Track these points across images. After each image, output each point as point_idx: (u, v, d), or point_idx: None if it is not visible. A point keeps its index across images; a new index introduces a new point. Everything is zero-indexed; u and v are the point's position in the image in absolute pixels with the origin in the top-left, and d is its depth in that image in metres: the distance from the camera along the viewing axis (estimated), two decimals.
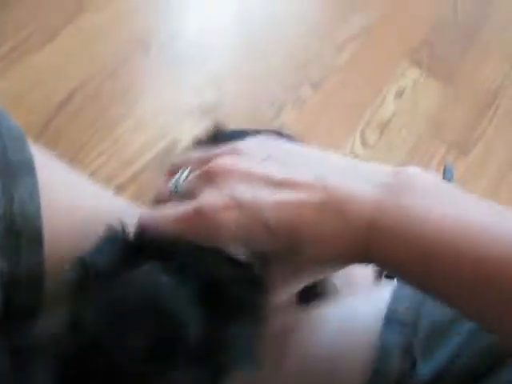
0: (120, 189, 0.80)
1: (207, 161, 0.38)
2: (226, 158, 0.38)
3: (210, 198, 0.35)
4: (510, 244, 0.29)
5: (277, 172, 0.36)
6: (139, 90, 0.90)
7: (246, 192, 0.34)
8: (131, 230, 0.36)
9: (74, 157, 0.80)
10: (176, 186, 0.39)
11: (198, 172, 0.39)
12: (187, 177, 0.39)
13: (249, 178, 0.35)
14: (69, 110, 0.84)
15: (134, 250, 0.35)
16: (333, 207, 0.33)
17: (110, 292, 0.32)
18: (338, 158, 0.38)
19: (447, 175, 0.71)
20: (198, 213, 0.35)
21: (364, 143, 0.94)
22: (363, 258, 0.34)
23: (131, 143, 0.84)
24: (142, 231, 0.36)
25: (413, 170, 0.34)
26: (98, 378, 0.30)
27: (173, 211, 0.37)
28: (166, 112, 0.88)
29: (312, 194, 0.34)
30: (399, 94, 1.00)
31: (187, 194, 0.38)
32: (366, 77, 1.01)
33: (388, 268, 0.36)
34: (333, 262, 0.36)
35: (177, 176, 0.40)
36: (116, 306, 0.32)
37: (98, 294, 0.32)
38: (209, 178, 0.37)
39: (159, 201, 0.41)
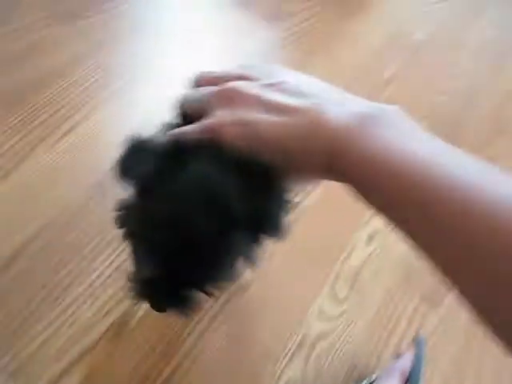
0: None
1: (224, 80, 0.48)
2: (240, 82, 0.47)
3: (221, 115, 0.45)
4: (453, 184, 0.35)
5: (280, 99, 0.44)
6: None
7: (251, 113, 0.44)
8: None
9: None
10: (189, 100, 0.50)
11: (214, 90, 0.48)
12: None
13: (255, 102, 0.45)
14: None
15: (171, 155, 0.44)
16: (312, 129, 0.42)
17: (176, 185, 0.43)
18: (333, 90, 0.47)
19: (419, 348, 0.73)
20: (211, 128, 0.45)
21: (334, 298, 0.88)
22: (331, 171, 0.42)
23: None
24: (174, 141, 0.46)
25: (393, 109, 0.42)
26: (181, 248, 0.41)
27: (194, 126, 0.47)
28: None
29: (301, 118, 0.42)
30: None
31: (203, 107, 0.48)
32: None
33: (352, 187, 0.42)
34: (311, 172, 0.44)
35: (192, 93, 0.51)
36: (186, 192, 0.42)
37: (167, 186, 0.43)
38: (222, 97, 0.47)
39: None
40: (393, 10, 1.45)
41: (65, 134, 0.89)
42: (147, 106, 0.95)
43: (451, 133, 1.22)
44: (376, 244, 0.96)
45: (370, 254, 0.93)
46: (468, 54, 1.46)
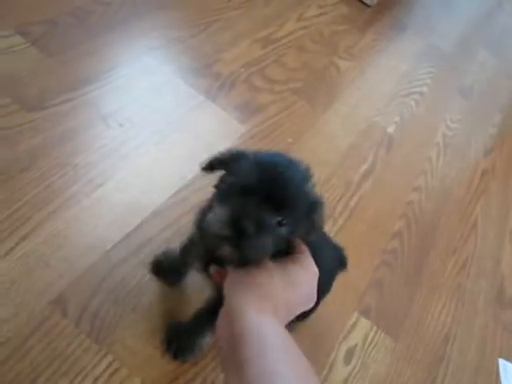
0: None
1: None
2: None
3: None
4: None
5: None
6: None
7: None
8: None
9: None
10: None
11: None
12: None
13: None
14: None
15: None
16: None
17: None
18: None
19: None
20: None
21: None
22: None
23: None
24: None
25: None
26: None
27: None
28: None
29: None
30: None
31: None
32: None
33: None
34: None
35: None
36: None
37: None
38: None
39: None
40: (363, 104, 1.45)
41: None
42: (119, 210, 0.90)
43: (425, 234, 1.21)
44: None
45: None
46: (438, 147, 1.47)
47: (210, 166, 0.64)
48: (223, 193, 0.59)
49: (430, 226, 1.24)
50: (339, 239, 1.06)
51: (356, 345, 0.92)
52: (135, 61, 1.18)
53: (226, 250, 0.55)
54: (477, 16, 2.49)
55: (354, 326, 0.95)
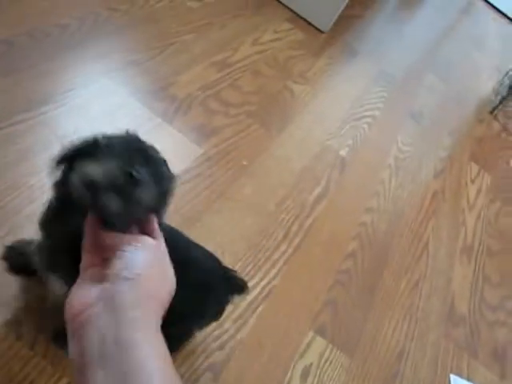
0: None
1: None
2: None
3: None
4: None
5: None
6: None
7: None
8: None
9: None
10: None
11: None
12: None
13: None
14: None
15: None
16: None
17: None
18: None
19: None
20: None
21: None
22: None
23: None
24: None
25: None
26: None
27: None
28: None
29: None
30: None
31: None
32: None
33: None
34: None
35: None
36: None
37: None
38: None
39: None
40: (317, 128, 1.48)
41: None
42: None
43: (378, 255, 1.23)
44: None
45: None
46: (390, 169, 1.51)
47: (66, 158, 0.58)
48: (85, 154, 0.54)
49: (383, 246, 1.27)
50: (294, 260, 1.08)
51: (312, 363, 0.93)
52: (92, 82, 1.18)
53: (111, 201, 0.50)
54: (425, 43, 2.57)
55: (309, 344, 0.96)
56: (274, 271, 1.03)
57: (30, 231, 0.86)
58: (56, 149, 0.99)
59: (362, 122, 1.62)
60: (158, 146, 1.12)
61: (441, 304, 1.22)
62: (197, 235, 0.98)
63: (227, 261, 0.98)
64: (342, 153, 1.44)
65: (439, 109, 2.03)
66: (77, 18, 1.31)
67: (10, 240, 0.81)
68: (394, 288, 1.18)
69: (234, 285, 0.78)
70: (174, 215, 0.99)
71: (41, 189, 0.91)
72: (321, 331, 0.99)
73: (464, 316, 1.23)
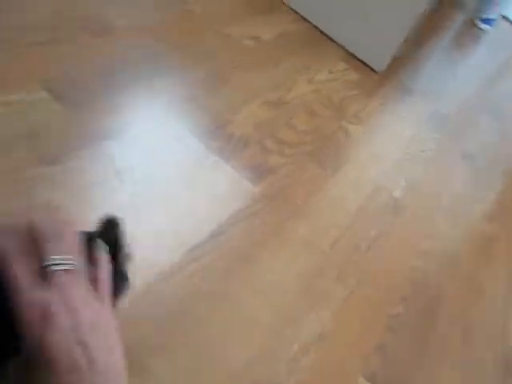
0: None
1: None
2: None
3: None
4: None
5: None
6: None
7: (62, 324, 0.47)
8: None
9: None
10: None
11: None
12: None
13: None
14: None
15: None
16: None
17: None
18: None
19: None
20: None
21: None
22: None
23: None
24: None
25: None
26: None
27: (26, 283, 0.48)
28: None
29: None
30: None
31: None
32: None
33: None
34: None
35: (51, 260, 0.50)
36: None
37: None
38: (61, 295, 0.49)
39: None
40: (371, 168, 1.48)
41: None
42: None
43: (431, 300, 1.21)
44: None
45: None
46: (443, 211, 1.49)
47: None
48: None
49: (436, 291, 1.25)
50: (347, 302, 1.08)
51: None
52: (152, 117, 1.21)
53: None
54: (479, 82, 2.56)
55: None
56: (326, 313, 1.02)
57: None
58: (116, 182, 1.03)
59: (415, 163, 1.62)
60: (213, 184, 1.15)
61: (496, 353, 1.19)
62: (251, 273, 1.00)
63: (280, 299, 0.99)
64: (396, 194, 1.43)
65: (493, 149, 2.01)
66: (138, 54, 1.36)
67: None
68: (447, 335, 1.16)
69: None
70: (228, 253, 1.01)
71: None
72: (371, 378, 0.97)
73: None
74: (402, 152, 1.64)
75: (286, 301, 0.99)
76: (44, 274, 0.49)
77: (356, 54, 2.01)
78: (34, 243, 0.50)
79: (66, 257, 0.51)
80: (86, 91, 1.17)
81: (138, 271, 0.89)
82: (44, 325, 0.45)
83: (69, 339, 0.46)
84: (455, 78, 2.44)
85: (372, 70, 1.98)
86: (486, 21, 3.34)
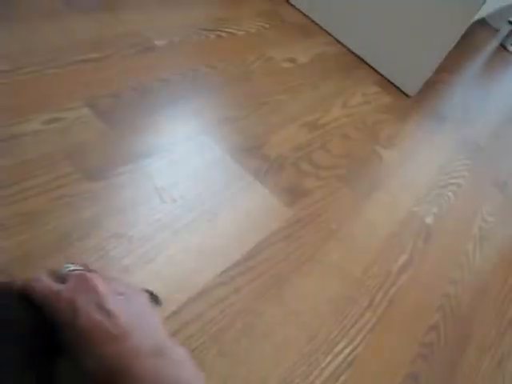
0: None
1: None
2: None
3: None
4: None
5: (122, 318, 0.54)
6: None
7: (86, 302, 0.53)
8: None
9: None
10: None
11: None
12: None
13: (103, 305, 0.54)
14: None
15: None
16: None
17: None
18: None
19: None
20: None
21: None
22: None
23: None
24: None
25: None
26: None
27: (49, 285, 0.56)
28: None
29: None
30: None
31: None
32: None
33: None
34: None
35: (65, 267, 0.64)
36: None
37: None
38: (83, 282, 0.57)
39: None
40: (403, 194, 1.48)
41: None
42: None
43: (461, 328, 1.21)
44: None
45: None
46: (474, 240, 1.49)
47: None
48: None
49: (467, 319, 1.24)
50: (378, 329, 1.08)
51: None
52: (190, 137, 1.23)
53: None
54: (509, 109, 2.55)
55: None
56: (358, 339, 1.02)
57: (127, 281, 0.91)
58: (156, 200, 1.05)
59: (447, 190, 1.61)
60: (249, 205, 1.16)
61: None
62: (285, 297, 1.00)
63: (314, 325, 0.99)
64: (428, 220, 1.43)
65: None
66: (178, 73, 1.39)
67: None
68: (477, 364, 1.15)
69: None
70: (262, 275, 1.02)
71: (139, 240, 0.95)
72: None
73: None
74: (435, 179, 1.64)
75: (317, 326, 1.00)
76: (62, 280, 0.59)
77: (389, 78, 2.02)
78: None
79: (79, 266, 0.66)
80: (127, 109, 1.20)
81: (175, 291, 0.91)
82: (72, 309, 0.52)
83: (95, 314, 0.52)
84: (486, 105, 2.43)
85: (404, 94, 1.98)
86: None
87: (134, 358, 0.50)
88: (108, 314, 0.52)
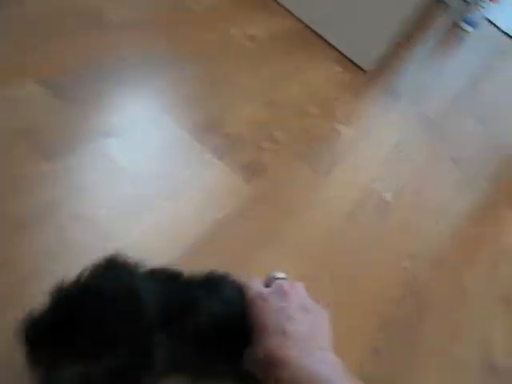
0: None
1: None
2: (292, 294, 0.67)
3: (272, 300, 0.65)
4: None
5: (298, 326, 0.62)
6: None
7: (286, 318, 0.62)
8: None
9: None
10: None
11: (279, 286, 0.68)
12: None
13: (288, 313, 0.63)
14: None
15: None
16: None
17: None
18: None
19: None
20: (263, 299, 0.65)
21: None
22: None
23: None
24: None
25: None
26: None
27: (259, 289, 0.69)
28: None
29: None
30: None
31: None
32: None
33: None
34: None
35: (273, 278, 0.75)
36: None
37: None
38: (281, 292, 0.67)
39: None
40: (361, 170, 1.51)
41: None
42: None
43: (419, 301, 1.24)
44: None
45: None
46: (431, 214, 1.53)
47: None
48: None
49: (424, 292, 1.27)
50: (337, 306, 1.09)
51: None
52: (150, 116, 1.22)
53: None
54: (464, 86, 2.59)
55: None
56: None
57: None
58: (116, 181, 1.03)
59: (403, 165, 1.64)
60: (208, 182, 1.16)
61: (481, 353, 1.21)
62: (248, 273, 1.01)
63: None
64: (385, 196, 1.45)
65: (479, 152, 2.04)
66: (137, 51, 1.36)
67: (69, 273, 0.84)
68: (434, 337, 1.18)
69: None
70: (222, 251, 1.02)
71: (100, 221, 0.94)
72: (365, 380, 0.99)
73: (507, 366, 1.22)
74: (392, 154, 1.66)
75: None
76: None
77: (345, 53, 2.03)
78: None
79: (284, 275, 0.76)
80: (84, 88, 1.17)
81: None
82: (262, 304, 0.63)
83: (278, 313, 0.62)
84: (440, 81, 2.47)
85: (361, 69, 2.00)
86: (469, 22, 3.38)
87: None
88: (290, 318, 0.62)
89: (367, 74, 2.01)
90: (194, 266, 0.95)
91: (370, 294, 1.17)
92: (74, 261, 0.86)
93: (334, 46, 2.04)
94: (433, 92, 2.30)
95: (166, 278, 0.66)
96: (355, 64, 2.01)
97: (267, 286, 0.72)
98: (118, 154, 1.08)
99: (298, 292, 0.70)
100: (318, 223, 1.24)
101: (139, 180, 1.05)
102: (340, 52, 2.03)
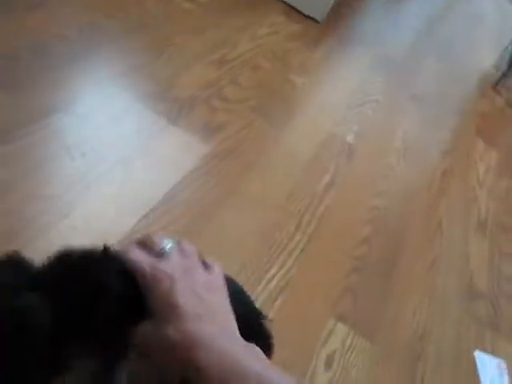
0: None
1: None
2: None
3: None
4: None
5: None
6: None
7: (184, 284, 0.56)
8: None
9: None
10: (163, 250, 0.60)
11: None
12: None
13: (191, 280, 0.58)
14: None
15: None
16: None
17: None
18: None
19: None
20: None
21: None
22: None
23: None
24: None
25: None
26: None
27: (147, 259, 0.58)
28: None
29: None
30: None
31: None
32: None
33: None
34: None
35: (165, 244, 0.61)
36: None
37: None
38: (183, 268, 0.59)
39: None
40: (321, 117, 1.49)
41: None
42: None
43: (392, 238, 1.24)
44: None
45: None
46: (397, 152, 1.51)
47: None
48: None
49: (396, 229, 1.27)
50: (309, 249, 1.09)
51: (335, 351, 0.93)
52: (95, 90, 1.19)
53: None
54: (422, 25, 2.58)
55: (331, 332, 0.96)
56: (289, 262, 1.03)
57: (46, 241, 0.88)
58: (65, 159, 1.01)
59: (365, 108, 1.63)
60: (164, 148, 1.14)
61: (459, 282, 1.22)
62: (210, 232, 1.00)
63: (242, 255, 0.99)
64: (349, 139, 1.44)
65: (441, 88, 2.04)
66: (74, 27, 1.32)
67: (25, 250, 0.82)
68: (411, 270, 1.19)
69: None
70: (184, 213, 1.01)
71: (53, 199, 0.92)
72: (341, 318, 0.99)
73: (483, 292, 1.23)
74: (352, 98, 1.65)
75: (247, 257, 1.00)
76: (161, 256, 0.60)
77: (295, 6, 1.99)
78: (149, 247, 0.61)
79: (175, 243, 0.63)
80: (25, 69, 1.14)
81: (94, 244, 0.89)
82: (171, 286, 0.55)
83: (190, 296, 0.56)
84: (399, 22, 2.46)
85: (313, 20, 1.96)
86: None
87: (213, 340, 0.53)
88: (200, 299, 0.57)
89: (321, 25, 1.97)
90: (153, 230, 0.95)
91: (341, 236, 1.17)
92: (32, 239, 0.86)
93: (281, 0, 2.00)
94: (391, 34, 2.29)
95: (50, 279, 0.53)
96: (307, 16, 1.97)
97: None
98: (67, 130, 1.06)
99: (192, 258, 0.64)
100: (281, 174, 1.23)
101: (89, 154, 1.03)
102: (287, 4, 1.99)
